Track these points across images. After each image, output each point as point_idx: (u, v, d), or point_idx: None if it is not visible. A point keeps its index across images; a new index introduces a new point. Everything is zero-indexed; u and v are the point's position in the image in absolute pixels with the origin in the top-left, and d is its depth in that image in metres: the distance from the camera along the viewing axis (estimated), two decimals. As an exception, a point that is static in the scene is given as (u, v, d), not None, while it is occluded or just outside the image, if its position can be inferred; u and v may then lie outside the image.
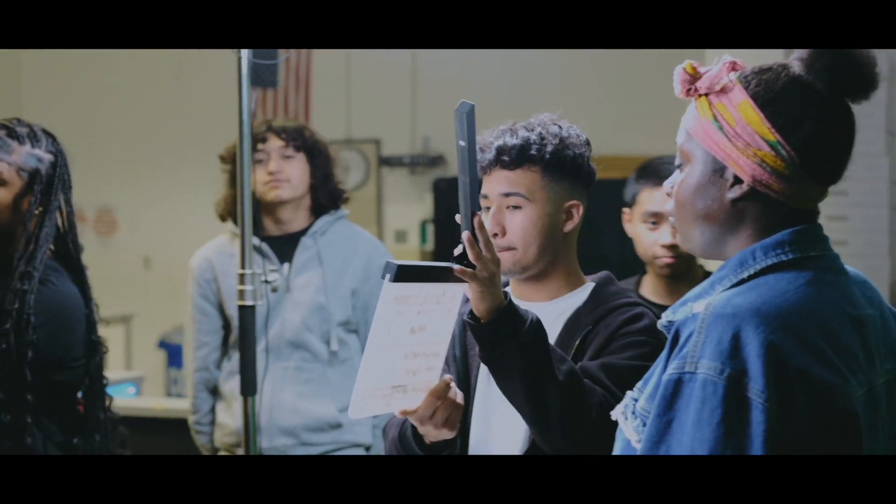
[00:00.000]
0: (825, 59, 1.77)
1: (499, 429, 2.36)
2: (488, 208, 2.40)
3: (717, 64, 1.83)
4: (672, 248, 3.30)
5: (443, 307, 2.17)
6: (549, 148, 2.39)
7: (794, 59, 1.81)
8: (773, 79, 1.79)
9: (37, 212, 2.80)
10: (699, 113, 1.82)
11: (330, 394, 3.80)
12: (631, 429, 1.78)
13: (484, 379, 2.36)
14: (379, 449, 3.81)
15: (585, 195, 2.46)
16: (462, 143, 2.10)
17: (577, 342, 2.35)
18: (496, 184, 2.41)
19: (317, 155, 3.89)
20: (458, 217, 2.13)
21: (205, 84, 8.88)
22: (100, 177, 8.45)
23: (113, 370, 5.06)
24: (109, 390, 2.99)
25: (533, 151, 2.38)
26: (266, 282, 3.33)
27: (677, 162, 1.87)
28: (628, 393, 1.84)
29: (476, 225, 2.10)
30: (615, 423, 1.85)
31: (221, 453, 3.89)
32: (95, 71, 9.13)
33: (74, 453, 2.83)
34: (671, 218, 1.90)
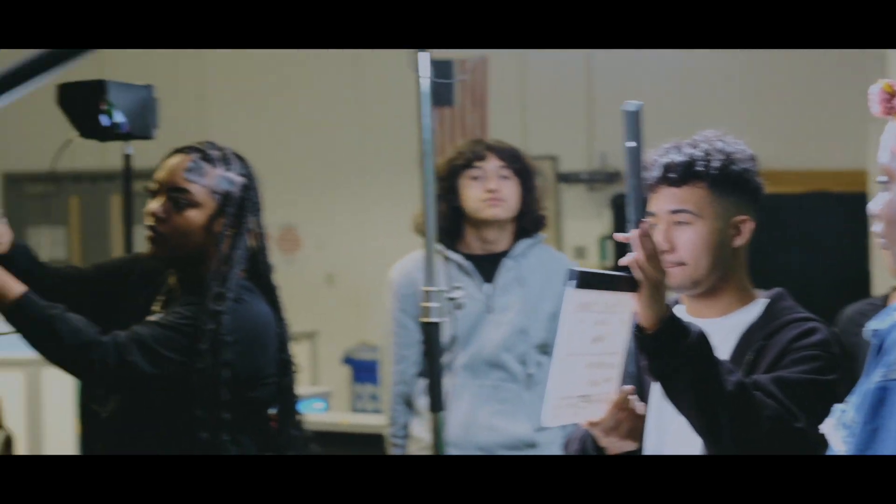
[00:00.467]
0: None
1: (673, 443, 2.36)
2: (655, 226, 2.41)
3: None
4: None
5: (617, 317, 2.17)
6: (716, 164, 2.39)
7: None
8: None
9: (229, 233, 2.85)
10: None
11: (526, 413, 3.82)
12: (839, 440, 1.77)
13: (658, 394, 2.37)
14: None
15: (753, 210, 2.45)
16: (631, 143, 2.11)
17: (750, 357, 2.34)
18: (663, 201, 2.41)
19: (529, 179, 3.92)
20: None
21: (386, 100, 9.01)
22: (283, 195, 8.66)
23: (300, 385, 5.17)
24: (299, 406, 3.05)
25: (699, 168, 2.38)
26: (450, 299, 3.37)
27: (881, 179, 1.84)
28: (836, 406, 1.83)
29: (641, 233, 2.12)
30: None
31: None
32: (278, 88, 9.33)
33: None
34: (882, 240, 1.86)
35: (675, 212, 2.40)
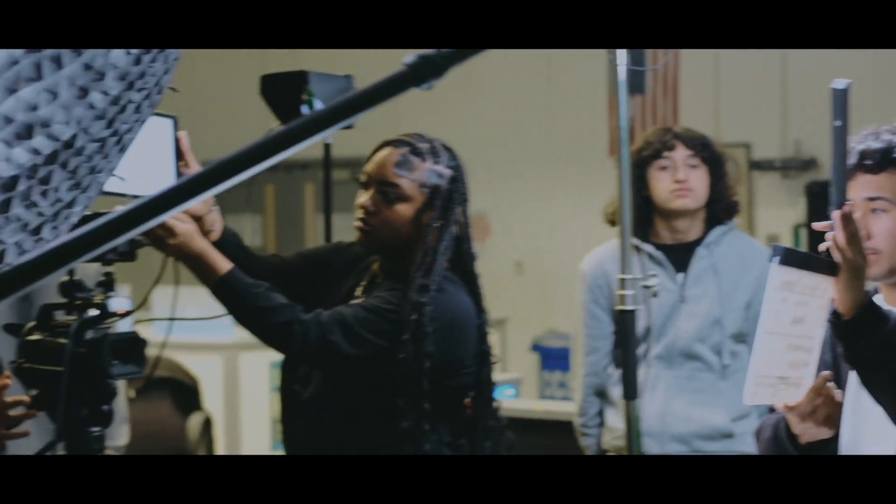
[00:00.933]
0: None
1: (870, 434, 2.33)
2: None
3: None
4: None
5: (817, 301, 2.16)
6: None
7: None
8: None
9: (436, 225, 2.89)
10: None
11: (722, 403, 3.79)
12: None
13: (854, 383, 2.33)
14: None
15: None
16: (838, 122, 2.08)
17: None
18: (860, 188, 2.38)
19: (719, 166, 3.88)
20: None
21: (575, 87, 9.00)
22: (473, 183, 8.72)
23: (491, 372, 5.20)
24: (495, 395, 3.07)
25: None
26: (646, 287, 3.37)
27: None
28: None
29: (843, 214, 2.09)
30: None
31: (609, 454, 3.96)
32: (468, 77, 9.41)
33: (461, 453, 2.91)
34: None
35: (871, 199, 2.37)
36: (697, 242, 3.88)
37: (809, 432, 2.29)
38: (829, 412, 2.26)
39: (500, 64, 9.13)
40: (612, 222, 3.91)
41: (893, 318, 2.13)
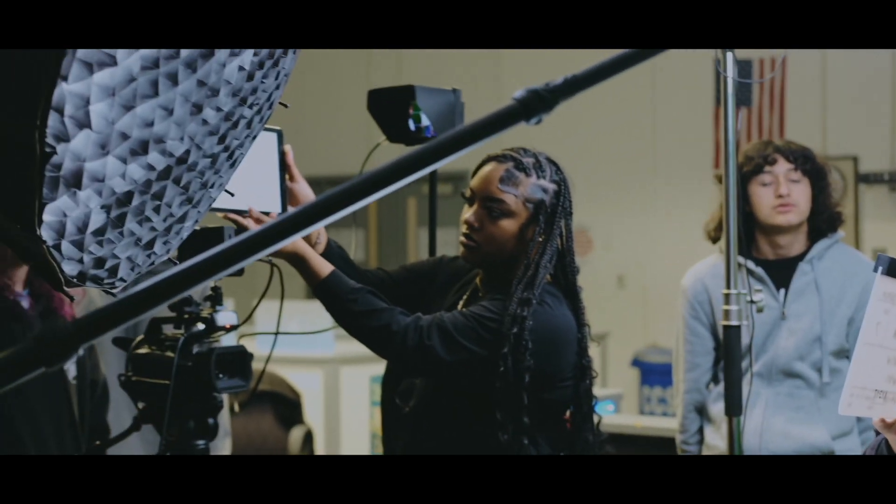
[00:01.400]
0: None
1: None
2: None
3: None
4: None
5: None
6: None
7: None
8: None
9: (539, 239, 2.87)
10: None
11: (822, 420, 3.72)
12: None
13: None
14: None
15: None
16: None
17: None
18: None
19: (821, 179, 3.81)
20: None
21: (680, 99, 8.94)
22: (575, 196, 8.72)
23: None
24: (595, 409, 3.05)
25: None
26: (751, 302, 3.32)
27: None
28: None
29: None
30: None
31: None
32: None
33: None
34: None
35: None
36: (800, 257, 3.81)
37: None
38: None
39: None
40: (714, 238, 3.87)
41: None
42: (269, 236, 1.06)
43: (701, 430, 3.92)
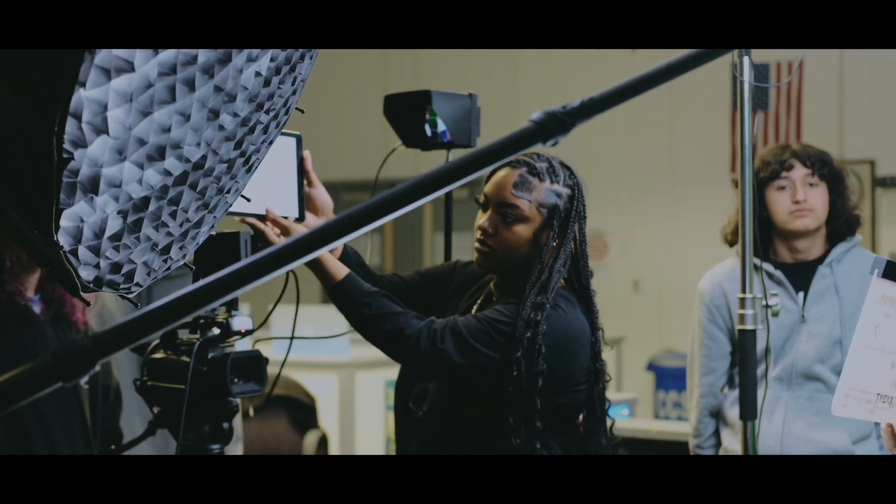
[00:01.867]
0: None
1: None
2: None
3: None
4: None
5: None
6: None
7: None
8: None
9: (553, 244, 2.88)
10: None
11: (843, 424, 3.70)
12: None
13: None
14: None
15: None
16: None
17: None
18: None
19: (838, 183, 3.80)
20: None
21: (696, 103, 8.93)
22: (590, 201, 8.72)
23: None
24: (609, 413, 3.04)
25: None
26: (767, 306, 3.31)
27: None
28: None
29: None
30: None
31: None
32: (585, 92, 9.40)
33: None
34: None
35: None
36: (819, 261, 3.81)
37: None
38: None
39: (621, 79, 9.08)
40: (731, 242, 3.86)
41: None
42: (294, 251, 1.07)
43: (716, 434, 3.91)
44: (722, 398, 3.88)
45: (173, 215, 1.46)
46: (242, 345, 2.72)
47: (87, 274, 1.41)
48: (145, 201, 1.38)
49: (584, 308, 2.93)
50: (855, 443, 3.69)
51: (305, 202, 2.87)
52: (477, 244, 2.92)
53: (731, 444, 3.82)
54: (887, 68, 8.38)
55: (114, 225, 1.38)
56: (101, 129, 1.27)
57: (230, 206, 1.67)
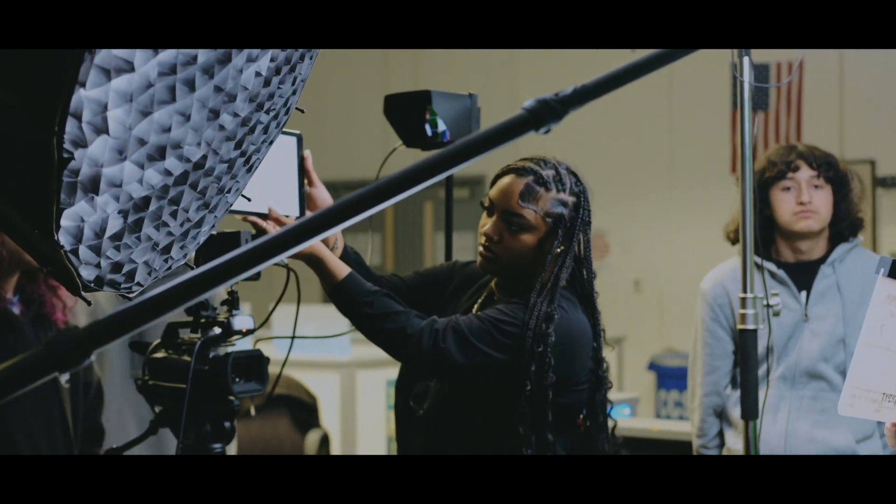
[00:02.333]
0: None
1: None
2: None
3: None
4: None
5: None
6: None
7: None
8: None
9: (558, 251, 2.88)
10: None
11: (847, 424, 3.71)
12: None
13: None
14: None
15: None
16: None
17: None
18: None
19: (843, 185, 3.81)
20: None
21: (696, 103, 8.93)
22: (592, 201, 8.74)
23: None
24: (611, 415, 3.04)
25: None
26: (768, 306, 3.32)
27: None
28: None
29: None
30: None
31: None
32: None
33: None
34: None
35: None
36: (821, 261, 3.81)
37: None
38: None
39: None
40: (734, 240, 3.85)
41: None
42: (285, 240, 1.07)
43: (720, 434, 3.91)
44: (725, 397, 3.88)
45: (174, 215, 1.47)
46: (243, 344, 2.72)
47: (87, 273, 1.41)
48: (146, 201, 1.38)
49: (586, 310, 2.94)
50: (858, 442, 3.69)
51: (306, 201, 2.87)
52: (481, 248, 2.93)
53: (735, 443, 3.82)
54: (887, 68, 8.38)
55: (114, 224, 1.38)
56: (102, 129, 1.28)
57: (231, 205, 1.67)
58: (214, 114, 1.37)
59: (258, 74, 1.39)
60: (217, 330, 2.59)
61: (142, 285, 1.55)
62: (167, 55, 1.28)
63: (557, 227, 2.89)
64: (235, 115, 1.40)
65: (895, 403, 2.15)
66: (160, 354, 2.64)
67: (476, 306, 3.00)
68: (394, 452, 5.45)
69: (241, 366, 2.58)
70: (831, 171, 3.79)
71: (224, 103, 1.37)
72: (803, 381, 3.74)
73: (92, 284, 1.44)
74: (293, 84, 1.54)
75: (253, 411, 3.86)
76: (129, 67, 1.26)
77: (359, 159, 9.60)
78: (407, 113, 3.30)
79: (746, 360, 3.30)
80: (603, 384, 2.95)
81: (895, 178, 8.40)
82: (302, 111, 1.83)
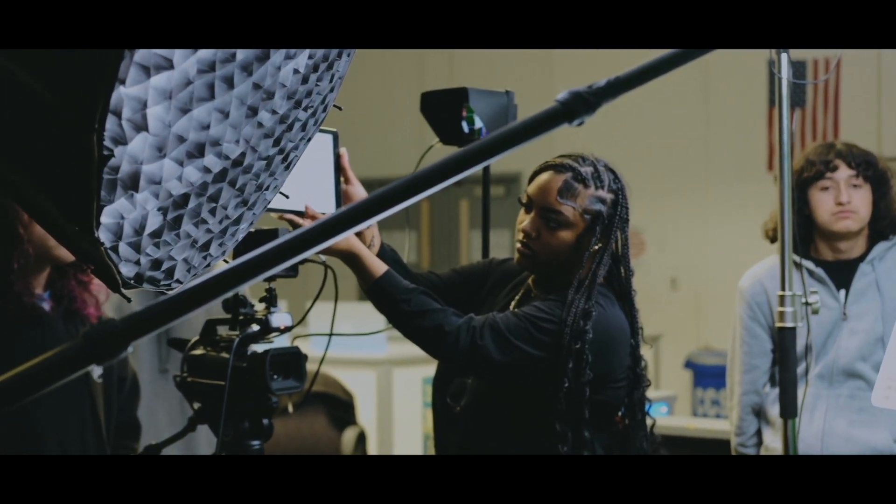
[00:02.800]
0: None
1: None
2: None
3: None
4: None
5: None
6: None
7: None
8: None
9: (595, 248, 2.87)
10: None
11: (885, 422, 3.68)
12: None
13: None
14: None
15: None
16: None
17: None
18: None
19: (882, 184, 3.78)
20: None
21: (732, 100, 8.89)
22: (629, 198, 8.71)
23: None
24: (649, 414, 3.04)
25: None
26: (807, 304, 3.30)
27: None
28: None
29: None
30: None
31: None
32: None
33: None
34: None
35: None
36: (860, 259, 3.78)
37: None
38: None
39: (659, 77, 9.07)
40: (772, 238, 3.83)
41: None
42: (319, 233, 1.07)
43: (759, 433, 3.89)
44: (764, 396, 3.87)
45: (213, 212, 1.47)
46: (281, 341, 2.73)
47: (127, 270, 1.42)
48: (185, 198, 1.39)
49: (624, 307, 2.93)
50: (896, 440, 3.67)
51: (342, 199, 2.87)
52: (518, 245, 2.92)
53: (773, 442, 3.80)
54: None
55: (154, 222, 1.39)
56: (141, 127, 1.28)
57: (268, 202, 1.67)
58: (253, 111, 1.38)
59: (296, 71, 1.40)
60: (255, 327, 2.60)
61: (181, 282, 1.56)
62: (206, 52, 1.29)
63: (595, 224, 2.88)
64: (274, 112, 1.41)
65: None
66: (199, 351, 2.65)
67: (513, 303, 2.99)
68: (430, 449, 5.45)
69: (279, 363, 2.58)
70: (870, 169, 3.76)
71: (262, 100, 1.38)
72: (840, 379, 3.72)
73: (132, 281, 1.45)
74: (331, 81, 1.54)
75: (291, 408, 3.87)
76: (169, 65, 1.27)
77: (395, 157, 9.61)
78: (444, 110, 3.29)
79: (785, 358, 3.28)
80: (641, 382, 2.95)
81: (934, 175, 8.34)
82: (340, 108, 1.84)
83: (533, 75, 9.56)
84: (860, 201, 3.73)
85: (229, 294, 1.10)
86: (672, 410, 6.11)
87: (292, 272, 2.66)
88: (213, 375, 2.58)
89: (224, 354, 2.57)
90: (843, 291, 3.75)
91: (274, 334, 2.63)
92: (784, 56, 3.20)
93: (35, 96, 1.28)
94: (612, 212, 2.89)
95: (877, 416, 3.69)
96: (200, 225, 1.47)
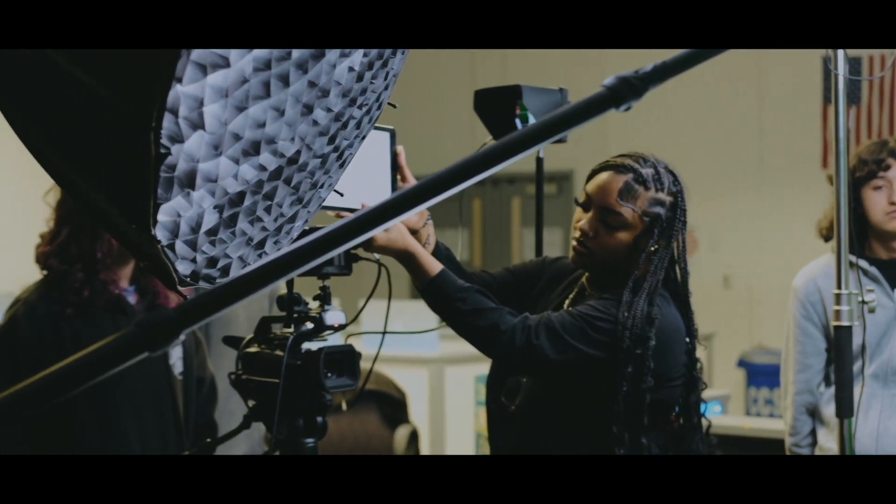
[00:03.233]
0: None
1: None
2: None
3: None
4: None
5: None
6: None
7: None
8: None
9: (653, 249, 2.86)
10: None
11: (939, 424, 3.65)
12: None
13: None
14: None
15: None
16: None
17: None
18: None
19: None
20: None
21: (787, 98, 8.83)
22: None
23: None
24: (704, 414, 3.02)
25: None
26: (863, 302, 3.27)
27: None
28: None
29: None
30: None
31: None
32: (677, 89, 9.35)
33: None
34: None
35: None
36: None
37: None
38: None
39: (710, 73, 9.01)
40: (827, 237, 3.81)
41: None
42: (368, 220, 1.07)
43: (813, 433, 3.86)
44: (818, 395, 3.84)
45: (268, 210, 1.48)
46: (334, 339, 2.74)
47: (184, 268, 1.43)
48: (241, 196, 1.40)
49: (680, 308, 2.92)
50: (952, 443, 3.63)
51: None
52: (575, 243, 2.91)
53: (827, 442, 3.77)
54: None
55: (210, 220, 1.40)
56: (198, 125, 1.29)
57: (323, 200, 1.68)
58: (308, 109, 1.38)
59: (351, 69, 1.40)
60: (309, 325, 2.61)
61: (236, 280, 1.57)
62: (262, 51, 1.29)
63: (654, 226, 2.86)
64: (329, 109, 1.41)
65: None
66: (253, 349, 2.66)
67: (567, 302, 2.98)
68: (483, 448, 5.45)
69: (333, 361, 2.59)
70: None
71: (318, 98, 1.38)
72: (895, 379, 3.69)
73: (188, 279, 1.46)
74: (385, 79, 1.54)
75: (344, 406, 3.88)
76: (225, 63, 1.27)
77: (447, 154, 9.62)
78: (497, 108, 3.29)
79: (841, 357, 3.25)
80: (697, 385, 2.93)
81: None
82: (394, 106, 1.84)
83: (585, 74, 9.53)
84: None
85: (279, 282, 1.10)
86: (725, 409, 6.08)
87: (346, 270, 2.67)
88: (268, 373, 2.58)
89: (278, 352, 2.58)
90: None
91: (328, 332, 2.64)
92: (840, 53, 3.17)
93: (92, 95, 1.29)
94: (670, 214, 2.87)
95: (932, 416, 3.66)
96: (256, 223, 1.48)
